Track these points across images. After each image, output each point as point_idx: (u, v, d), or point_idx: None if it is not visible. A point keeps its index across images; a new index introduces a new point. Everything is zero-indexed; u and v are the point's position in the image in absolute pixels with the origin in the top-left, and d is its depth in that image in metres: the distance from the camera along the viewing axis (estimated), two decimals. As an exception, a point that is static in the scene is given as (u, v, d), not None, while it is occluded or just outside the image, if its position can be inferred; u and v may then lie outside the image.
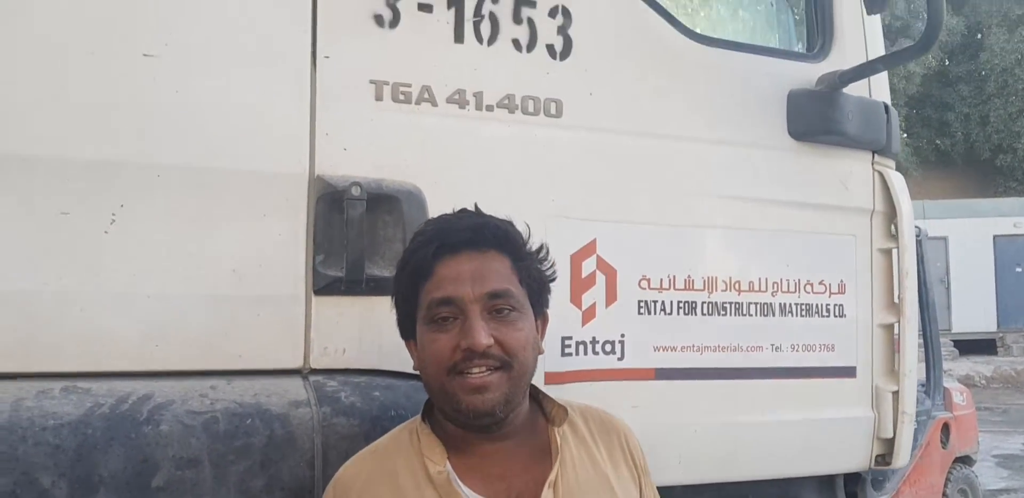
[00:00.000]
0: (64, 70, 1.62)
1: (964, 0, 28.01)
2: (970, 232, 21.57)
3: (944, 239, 21.27)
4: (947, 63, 28.11)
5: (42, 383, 1.56)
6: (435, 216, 1.57)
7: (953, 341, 20.70)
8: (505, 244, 1.45)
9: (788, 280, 2.26)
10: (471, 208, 1.54)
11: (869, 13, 2.17)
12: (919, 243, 7.45)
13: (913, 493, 6.25)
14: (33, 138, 1.60)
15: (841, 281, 2.34)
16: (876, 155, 2.39)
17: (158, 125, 1.68)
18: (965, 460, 7.04)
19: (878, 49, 2.39)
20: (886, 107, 2.37)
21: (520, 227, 1.52)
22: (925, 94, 27.45)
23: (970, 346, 20.97)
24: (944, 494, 6.69)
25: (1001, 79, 26.80)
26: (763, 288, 2.23)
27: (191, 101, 1.70)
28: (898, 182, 2.40)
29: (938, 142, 27.88)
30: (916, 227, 7.88)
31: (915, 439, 6.41)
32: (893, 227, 2.41)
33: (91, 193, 1.63)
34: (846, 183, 2.33)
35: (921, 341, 7.18)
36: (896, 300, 2.42)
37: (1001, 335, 21.63)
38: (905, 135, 27.27)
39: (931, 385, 6.86)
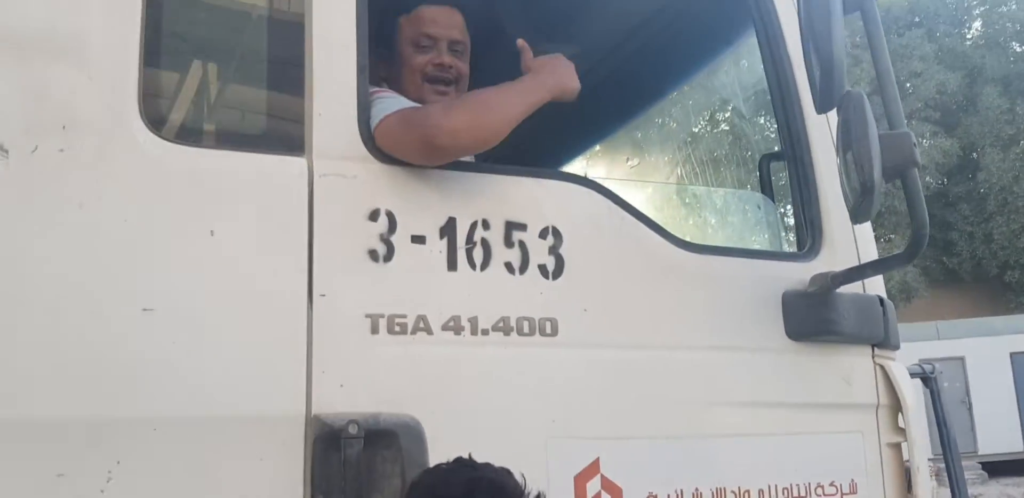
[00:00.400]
0: (63, 332, 1.66)
1: (956, 122, 28.72)
2: (987, 350, 21.36)
3: (961, 359, 21.06)
4: (946, 183, 28.58)
5: None
6: (432, 467, 1.57)
7: (981, 463, 20.14)
8: None
9: (798, 484, 2.22)
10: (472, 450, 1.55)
11: (854, 223, 2.22)
12: (934, 380, 7.37)
13: None
14: (31, 401, 1.62)
15: (852, 480, 2.30)
16: (876, 348, 2.39)
17: (154, 378, 1.70)
18: None
19: (869, 246, 2.43)
20: (881, 300, 2.39)
21: (517, 477, 1.51)
22: (928, 214, 27.75)
23: (999, 468, 20.38)
24: None
25: (1000, 197, 27.20)
26: (773, 495, 2.19)
27: (188, 352, 1.73)
28: (900, 374, 2.39)
29: (945, 261, 28.01)
30: (929, 364, 7.78)
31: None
32: (900, 419, 2.38)
33: (86, 452, 1.64)
34: (848, 379, 2.33)
35: (943, 465, 6.99)
36: (911, 495, 2.36)
37: (1030, 455, 21.07)
38: (912, 255, 27.37)
39: (960, 522, 6.62)
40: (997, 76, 29.82)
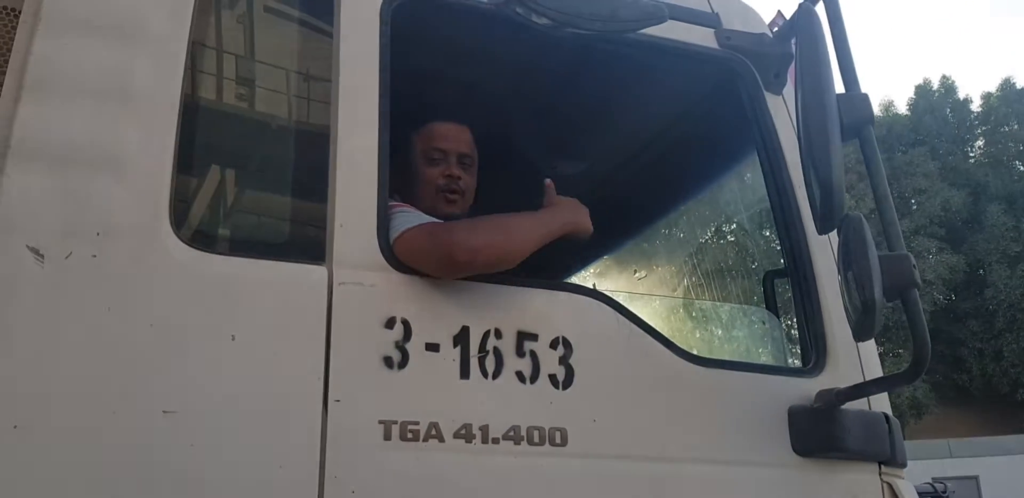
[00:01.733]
0: (85, 430, 1.70)
1: (962, 238, 28.97)
2: (1001, 470, 20.95)
3: (975, 479, 20.62)
4: (953, 299, 28.60)
5: None
6: None
7: (999, 589, 19.48)
8: None
9: None
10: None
11: (858, 341, 2.26)
12: (947, 498, 7.21)
13: None
14: (49, 501, 1.65)
15: None
16: (883, 466, 2.39)
17: (171, 481, 1.73)
18: None
19: (873, 362, 2.46)
20: (887, 417, 2.41)
21: None
22: (936, 330, 27.66)
23: (1018, 593, 19.67)
24: None
25: (1009, 314, 27.17)
26: None
27: (205, 454, 1.76)
28: (908, 492, 2.37)
29: (955, 378, 27.76)
30: (941, 483, 7.66)
31: None
32: (910, 539, 2.36)
33: None
34: (855, 497, 2.32)
35: None
36: None
37: (1052, 582, 20.32)
38: (921, 371, 27.16)
39: None
40: (1001, 194, 30.27)
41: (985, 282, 28.27)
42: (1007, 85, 34.17)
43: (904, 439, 2.48)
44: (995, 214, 28.98)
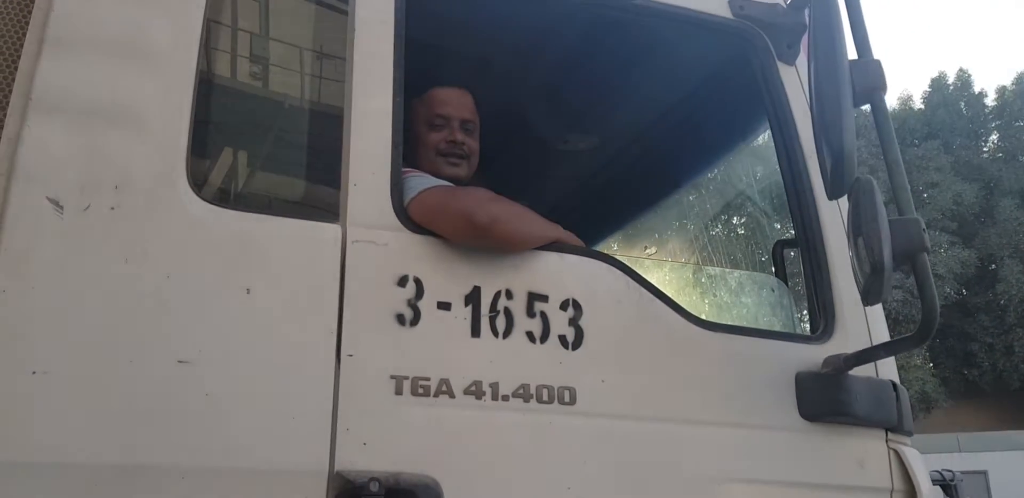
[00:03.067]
0: (103, 380, 1.73)
1: (974, 233, 28.87)
2: (1011, 465, 20.90)
3: (984, 473, 20.59)
4: (964, 294, 28.52)
5: None
6: None
7: (1006, 583, 19.47)
8: None
9: (812, 565, 2.22)
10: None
11: (866, 305, 2.27)
12: (954, 488, 7.22)
13: None
14: (75, 446, 1.68)
15: (866, 564, 2.29)
16: (889, 433, 2.41)
17: (186, 428, 1.76)
18: None
19: (880, 328, 2.48)
20: (894, 385, 2.42)
21: None
22: (946, 325, 27.62)
23: (1024, 588, 19.67)
24: None
25: (1020, 309, 27.09)
26: (787, 575, 2.19)
27: (220, 404, 1.79)
28: (914, 458, 2.39)
29: (965, 373, 27.70)
30: (949, 471, 7.65)
31: None
32: (914, 505, 2.38)
33: (119, 497, 1.68)
34: (862, 462, 2.34)
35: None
36: (925, 583, 2.34)
37: (1058, 576, 20.31)
38: (931, 366, 27.14)
39: None
40: (1014, 188, 30.14)
41: (996, 277, 28.16)
42: (1022, 79, 34.01)
43: (913, 431, 2.49)
44: (1008, 209, 28.86)
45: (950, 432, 21.92)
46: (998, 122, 33.84)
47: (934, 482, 2.85)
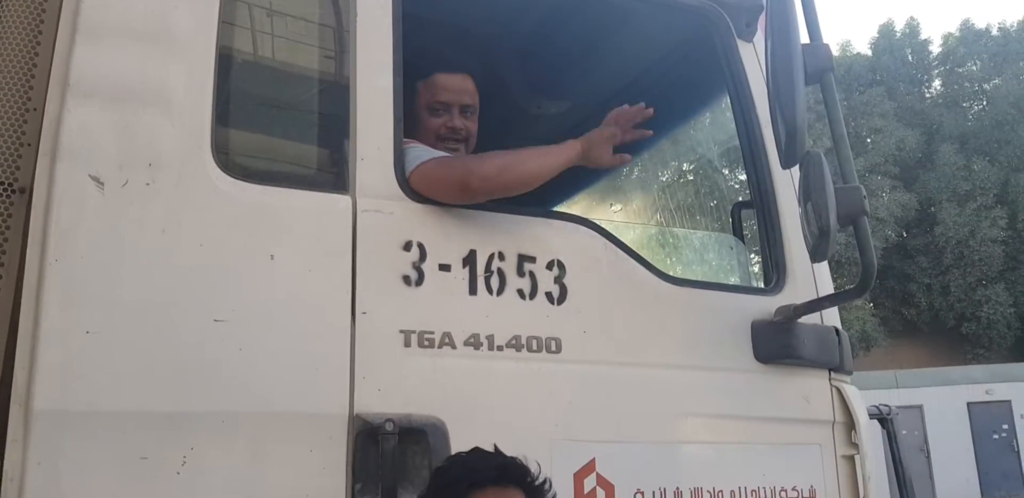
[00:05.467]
0: (148, 338, 1.96)
1: (914, 177, 29.58)
2: (944, 400, 21.81)
3: (919, 408, 21.47)
4: (904, 236, 29.32)
5: None
6: (454, 455, 1.86)
7: (939, 511, 20.48)
8: (523, 483, 1.75)
9: (765, 488, 2.54)
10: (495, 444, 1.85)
11: (813, 262, 2.57)
12: (890, 421, 7.70)
13: None
14: (123, 395, 1.91)
15: (811, 486, 2.62)
16: (832, 372, 2.73)
17: (223, 378, 2.00)
18: None
19: (826, 281, 2.79)
20: (837, 331, 2.74)
21: (531, 463, 1.82)
22: (887, 266, 28.44)
23: (956, 516, 20.75)
24: None
25: (957, 251, 27.94)
26: (743, 496, 2.50)
27: (252, 357, 2.04)
28: (854, 395, 2.72)
29: (904, 312, 28.63)
30: (886, 405, 8.13)
31: None
32: (853, 435, 2.71)
33: (165, 440, 1.93)
34: (808, 398, 2.66)
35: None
36: (863, 501, 2.69)
37: (986, 504, 21.45)
38: (871, 305, 28.01)
39: (916, 565, 6.91)
40: (954, 134, 30.85)
41: (935, 220, 28.99)
42: (967, 26, 34.56)
43: (852, 372, 2.81)
44: (947, 154, 29.59)
45: (888, 369, 22.77)
46: (942, 68, 34.44)
47: (871, 416, 3.18)
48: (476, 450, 1.87)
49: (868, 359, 25.19)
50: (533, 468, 1.83)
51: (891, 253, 28.40)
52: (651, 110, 2.60)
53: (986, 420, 22.00)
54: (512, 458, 1.83)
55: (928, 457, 21.40)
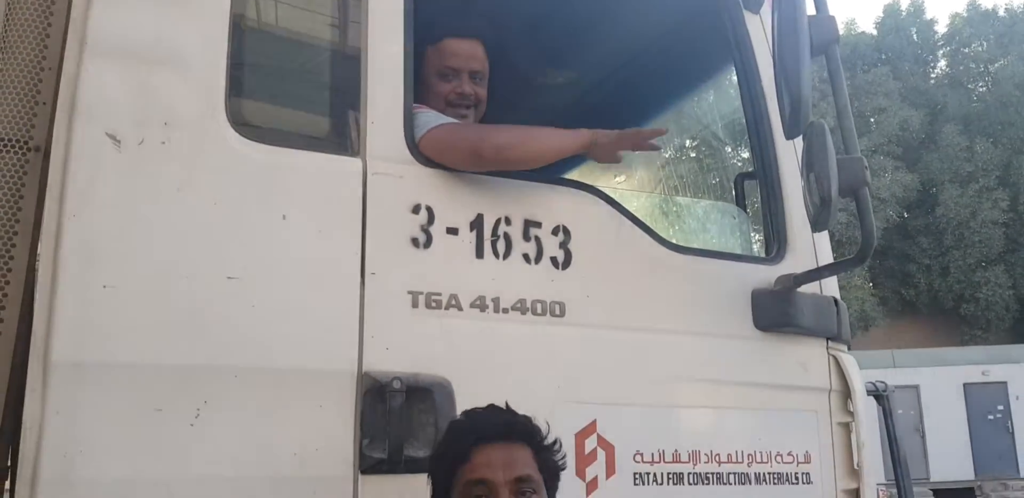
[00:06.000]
0: (164, 293, 2.01)
1: (917, 158, 29.54)
2: (941, 380, 21.93)
3: (916, 388, 21.60)
4: (905, 217, 29.34)
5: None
6: (469, 410, 1.92)
7: (932, 490, 20.65)
8: (530, 439, 1.80)
9: (761, 452, 2.60)
10: (500, 404, 1.90)
11: (814, 231, 2.62)
12: (886, 398, 7.77)
13: None
14: (139, 348, 1.96)
15: (807, 452, 2.68)
16: (830, 341, 2.79)
17: (237, 334, 2.05)
18: None
19: (825, 251, 2.83)
20: (835, 301, 2.79)
21: (541, 424, 1.87)
22: (887, 246, 28.50)
23: (949, 495, 20.94)
24: None
25: (957, 232, 27.97)
26: (740, 459, 2.57)
27: (264, 314, 2.08)
28: (850, 364, 2.78)
29: (903, 292, 28.71)
30: (882, 382, 8.21)
31: (895, 591, 6.52)
32: (849, 403, 2.77)
33: (180, 392, 1.98)
34: (805, 366, 2.71)
35: (895, 491, 7.40)
36: (856, 467, 2.75)
37: (979, 483, 21.63)
38: (871, 285, 28.09)
39: (908, 539, 7.02)
40: (958, 115, 30.77)
41: (937, 201, 29.01)
42: (973, 6, 34.35)
43: (851, 349, 2.87)
44: (950, 134, 29.54)
45: (886, 349, 22.88)
46: (947, 48, 34.28)
47: (868, 392, 3.24)
48: (491, 407, 1.91)
49: (866, 339, 25.33)
50: (544, 428, 1.88)
51: (892, 233, 28.44)
52: (666, 130, 2.62)
53: (982, 401, 22.15)
54: (522, 416, 1.87)
55: (923, 437, 21.57)
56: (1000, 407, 22.21)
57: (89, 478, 1.87)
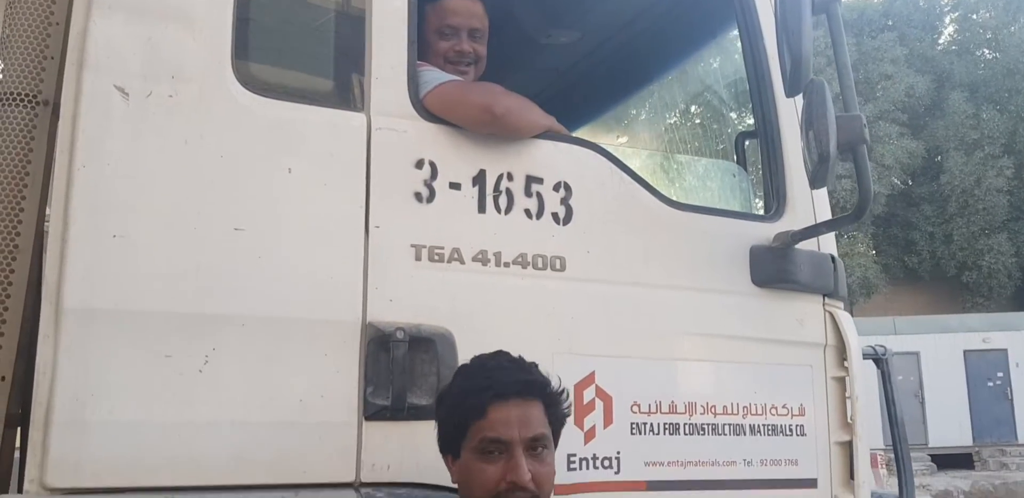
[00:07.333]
0: (171, 243, 2.05)
1: (922, 125, 29.39)
2: (941, 347, 22.02)
3: (916, 354, 21.68)
4: (910, 184, 29.26)
5: (147, 496, 1.92)
6: (484, 360, 1.95)
7: (930, 456, 20.84)
8: (543, 396, 1.85)
9: (756, 404, 2.66)
10: (500, 350, 1.95)
11: (813, 188, 2.65)
12: (885, 362, 7.85)
13: None
14: (148, 296, 2.01)
15: (801, 405, 2.74)
16: (826, 298, 2.83)
17: (244, 284, 2.10)
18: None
19: (824, 209, 2.86)
20: (832, 258, 2.83)
21: (553, 379, 1.92)
22: (890, 214, 28.47)
23: (947, 460, 21.11)
24: None
25: (961, 199, 27.89)
26: (735, 411, 2.62)
27: (270, 265, 2.13)
28: (846, 320, 2.82)
29: (905, 259, 28.72)
30: (881, 346, 8.27)
31: (889, 548, 6.64)
32: (844, 359, 2.82)
33: (189, 339, 2.03)
34: (802, 321, 2.76)
35: (892, 456, 7.50)
36: (849, 421, 2.81)
37: (977, 449, 21.82)
38: (874, 253, 28.12)
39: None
40: (965, 81, 30.54)
41: (941, 168, 28.91)
42: (983, -30, 33.96)
43: (852, 316, 2.91)
44: (957, 101, 29.33)
45: (887, 316, 22.96)
46: (954, 15, 33.95)
47: (865, 356, 3.29)
48: (500, 353, 1.94)
49: (868, 305, 25.42)
50: (555, 381, 1.92)
51: (895, 201, 28.38)
52: None
53: (982, 368, 22.27)
54: (536, 372, 1.90)
55: (922, 403, 21.71)
56: (1000, 374, 22.33)
57: (101, 421, 1.93)
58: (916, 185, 29.47)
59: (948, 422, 21.60)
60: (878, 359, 8.33)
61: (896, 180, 27.55)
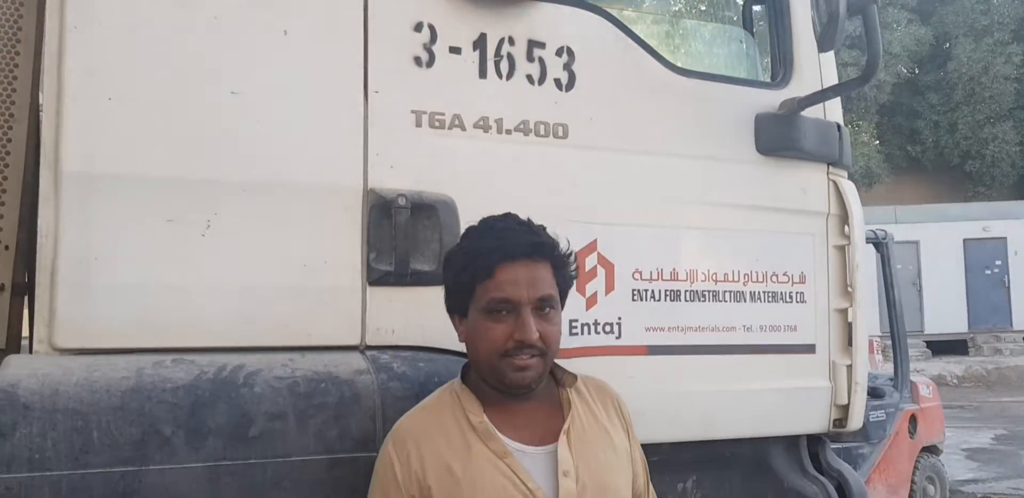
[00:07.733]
0: (168, 104, 2.02)
1: (931, 11, 28.66)
2: (941, 236, 22.09)
3: (916, 243, 21.78)
4: (916, 72, 28.74)
5: (156, 356, 1.95)
6: (493, 221, 1.90)
7: (926, 342, 21.22)
8: (552, 257, 1.84)
9: (757, 272, 2.68)
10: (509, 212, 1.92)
11: (821, 51, 2.59)
12: (885, 246, 7.90)
13: (883, 480, 6.68)
14: (147, 161, 1.99)
15: (802, 272, 2.76)
16: (831, 167, 2.81)
17: (244, 148, 2.08)
18: (932, 449, 7.49)
19: (831, 76, 2.80)
20: (838, 126, 2.79)
21: (561, 242, 1.90)
22: (895, 103, 28.06)
23: (942, 347, 21.51)
24: (912, 481, 7.13)
25: (968, 87, 27.44)
26: (736, 278, 2.64)
27: (270, 129, 2.10)
28: (849, 189, 2.81)
29: (909, 149, 28.49)
30: (882, 231, 8.28)
31: (884, 429, 6.81)
32: (846, 227, 2.82)
33: (191, 204, 2.03)
34: (805, 190, 2.75)
35: (890, 340, 7.64)
36: (849, 288, 2.83)
37: (972, 336, 22.20)
38: (877, 142, 27.90)
39: (899, 380, 7.30)
40: (978, -35, 29.59)
41: (949, 56, 28.31)
42: None
43: (851, 166, 2.87)
44: (968, -14, 28.55)
45: (889, 205, 22.94)
46: None
47: (867, 240, 3.28)
48: (508, 216, 1.92)
49: (870, 195, 25.30)
50: (562, 244, 1.91)
51: (901, 89, 27.91)
52: None
53: (980, 256, 22.41)
54: (544, 234, 1.89)
55: (920, 291, 21.95)
56: (998, 262, 22.48)
57: (105, 283, 1.95)
58: (923, 73, 28.92)
59: (945, 309, 21.90)
60: (878, 243, 8.36)
61: (903, 68, 27.06)
